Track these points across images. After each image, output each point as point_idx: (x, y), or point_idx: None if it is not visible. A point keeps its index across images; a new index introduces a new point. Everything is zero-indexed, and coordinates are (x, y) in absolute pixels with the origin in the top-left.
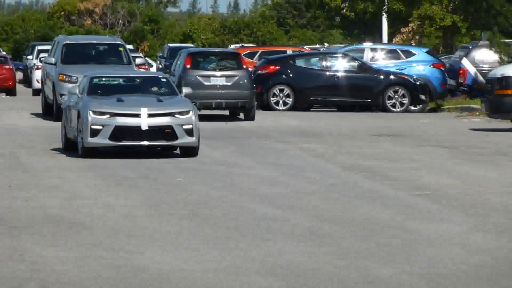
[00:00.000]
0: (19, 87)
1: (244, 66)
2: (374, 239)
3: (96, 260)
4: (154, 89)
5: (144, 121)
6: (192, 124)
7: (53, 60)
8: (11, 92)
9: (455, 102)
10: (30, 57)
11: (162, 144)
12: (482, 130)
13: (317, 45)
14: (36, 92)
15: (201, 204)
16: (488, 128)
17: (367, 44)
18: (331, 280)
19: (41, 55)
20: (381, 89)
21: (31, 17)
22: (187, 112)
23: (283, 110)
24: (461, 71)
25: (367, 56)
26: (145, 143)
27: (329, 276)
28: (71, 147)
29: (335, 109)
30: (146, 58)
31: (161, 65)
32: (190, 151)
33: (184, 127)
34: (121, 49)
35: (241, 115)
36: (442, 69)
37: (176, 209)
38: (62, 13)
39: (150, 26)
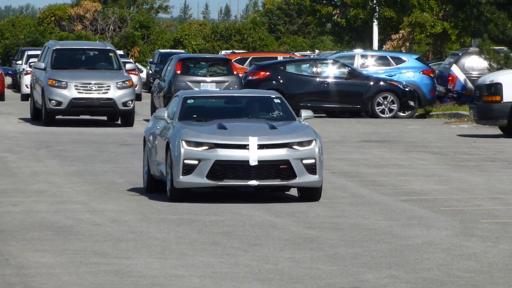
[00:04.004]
0: (8, 92)
1: (235, 72)
2: (361, 244)
3: (83, 265)
4: (265, 112)
5: (253, 155)
6: (315, 158)
7: (42, 65)
8: None
9: (443, 109)
10: (19, 62)
11: (275, 185)
12: (470, 136)
13: (308, 52)
14: (25, 97)
15: (188, 210)
16: (476, 134)
17: (358, 51)
18: (317, 285)
19: (31, 60)
20: (371, 95)
21: (21, 22)
22: (309, 143)
23: None
24: (450, 78)
25: (358, 62)
26: (254, 183)
27: (315, 281)
28: (155, 187)
29: (325, 115)
30: (136, 63)
31: (151, 70)
32: (311, 193)
33: (305, 161)
34: (111, 54)
35: None
36: (432, 75)
37: (164, 214)
38: (53, 18)
39: (140, 32)
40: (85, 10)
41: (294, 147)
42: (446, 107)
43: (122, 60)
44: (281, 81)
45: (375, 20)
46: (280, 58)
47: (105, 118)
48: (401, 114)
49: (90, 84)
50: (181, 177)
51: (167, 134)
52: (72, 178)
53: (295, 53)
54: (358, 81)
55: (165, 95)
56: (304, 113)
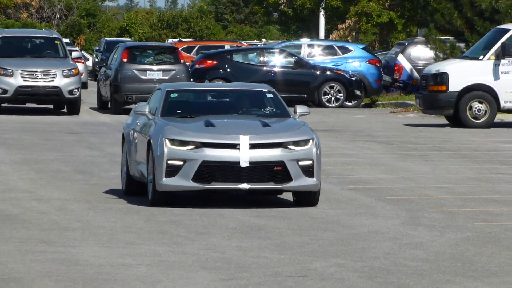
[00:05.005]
0: None
1: (182, 61)
2: (308, 233)
3: (29, 253)
4: (257, 108)
5: (244, 155)
6: (312, 159)
7: None
8: None
9: (390, 98)
10: None
11: (268, 189)
12: (416, 125)
13: (255, 41)
14: None
15: (135, 198)
16: (422, 123)
17: (304, 40)
18: (264, 274)
19: None
20: (317, 84)
21: None
22: (306, 142)
23: None
24: (396, 67)
25: (304, 52)
26: (245, 186)
27: (262, 270)
28: (134, 189)
29: None
30: (83, 51)
31: (97, 58)
32: (308, 198)
33: (301, 163)
34: (57, 42)
35: None
36: (378, 65)
37: (111, 203)
38: None
39: (87, 20)
40: None
41: (290, 147)
42: (392, 97)
43: (68, 48)
44: (228, 70)
45: (322, 10)
46: (227, 47)
47: (51, 106)
48: (348, 103)
49: (36, 72)
50: (164, 179)
51: (149, 131)
52: (18, 167)
53: (242, 42)
54: (304, 71)
55: (111, 83)
56: (300, 109)
